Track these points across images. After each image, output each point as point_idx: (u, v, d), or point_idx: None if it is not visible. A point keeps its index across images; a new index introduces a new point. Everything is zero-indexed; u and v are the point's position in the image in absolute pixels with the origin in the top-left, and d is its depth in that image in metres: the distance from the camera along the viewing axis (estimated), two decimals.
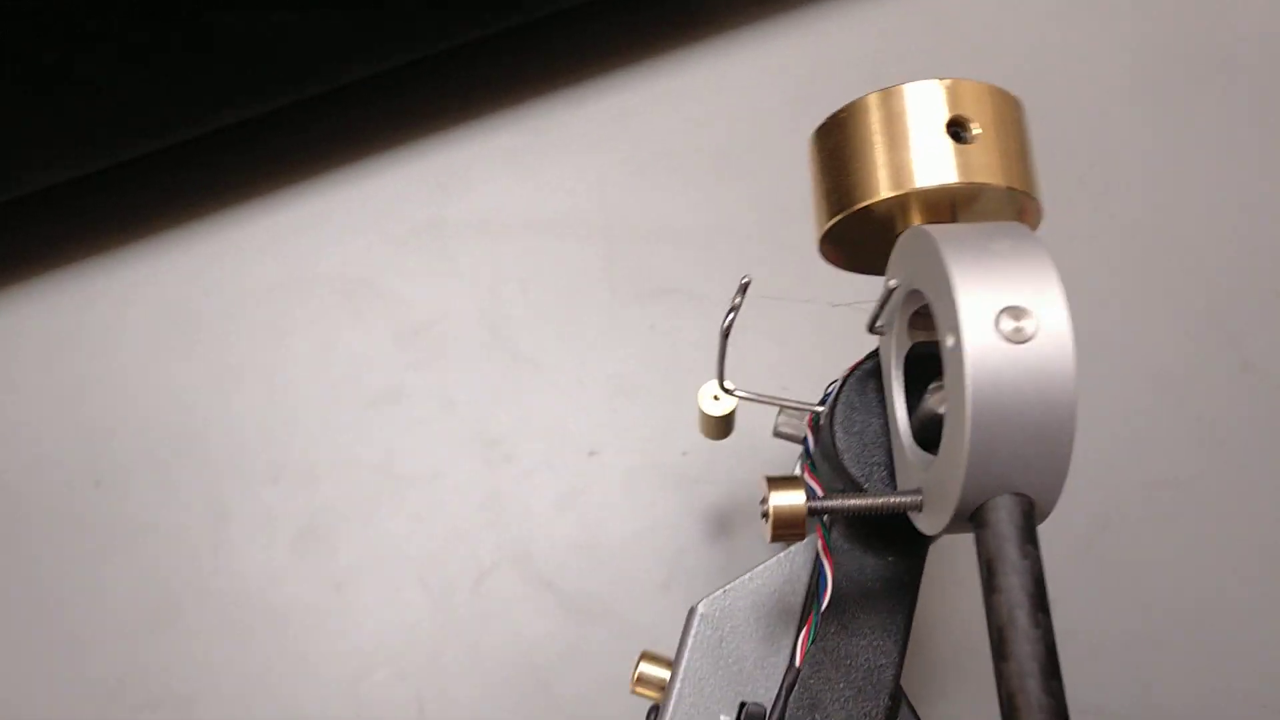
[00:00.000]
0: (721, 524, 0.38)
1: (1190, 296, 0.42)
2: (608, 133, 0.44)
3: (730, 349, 0.40)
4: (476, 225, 0.42)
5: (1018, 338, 0.19)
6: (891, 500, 0.22)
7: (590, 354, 0.40)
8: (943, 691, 0.37)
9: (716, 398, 0.31)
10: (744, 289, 0.24)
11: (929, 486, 0.22)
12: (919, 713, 0.26)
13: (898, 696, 0.26)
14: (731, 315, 0.24)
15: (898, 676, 0.26)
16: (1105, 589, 0.38)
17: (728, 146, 0.44)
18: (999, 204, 0.24)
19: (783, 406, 0.28)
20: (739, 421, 0.32)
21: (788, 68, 0.46)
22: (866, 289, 0.40)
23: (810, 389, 0.38)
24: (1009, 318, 0.19)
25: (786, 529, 0.22)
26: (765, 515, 0.22)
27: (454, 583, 0.36)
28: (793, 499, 0.22)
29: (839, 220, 0.24)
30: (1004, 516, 0.19)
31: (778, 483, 0.22)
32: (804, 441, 0.28)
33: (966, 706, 0.37)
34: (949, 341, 0.20)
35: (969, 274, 0.19)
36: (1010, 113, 0.24)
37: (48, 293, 0.41)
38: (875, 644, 0.26)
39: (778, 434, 0.31)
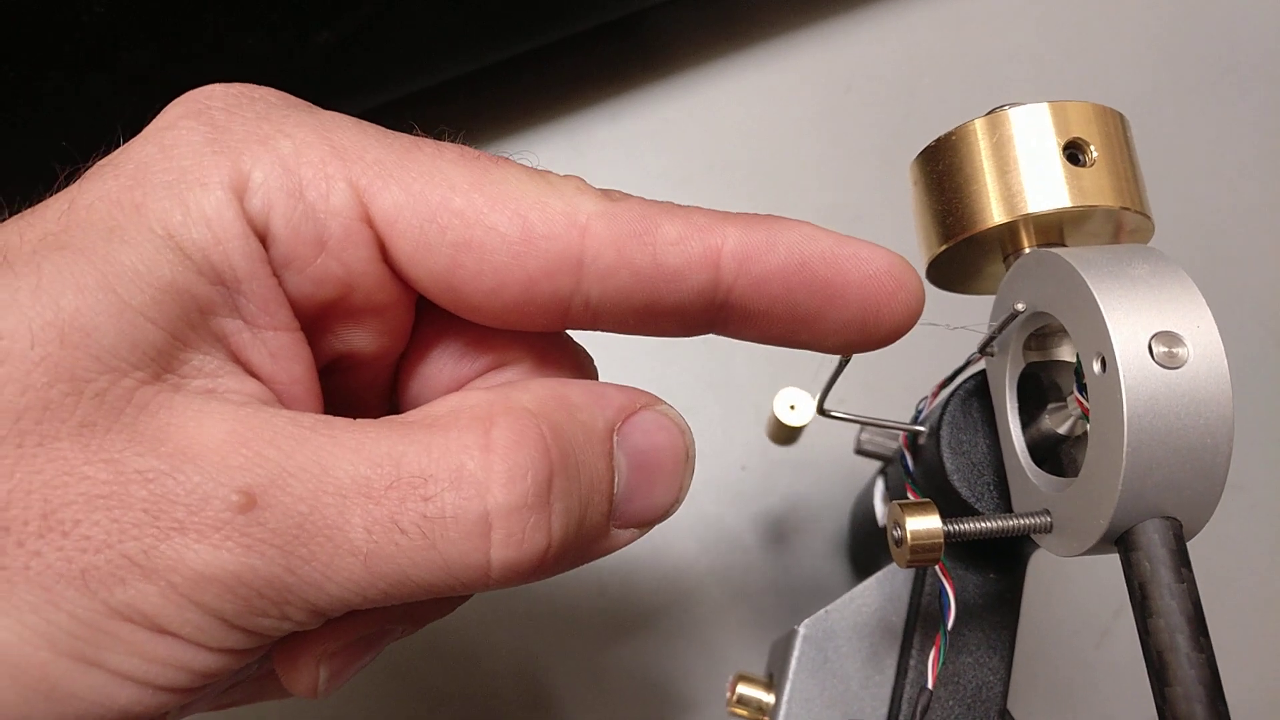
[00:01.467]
0: (783, 538, 0.38)
1: (1250, 306, 0.43)
2: (647, 145, 0.44)
3: (775, 361, 0.40)
4: None
5: (1171, 363, 0.19)
6: (1021, 523, 0.22)
7: (644, 370, 0.40)
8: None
9: (793, 407, 0.31)
10: None
11: (1062, 509, 0.22)
12: None
13: (1006, 715, 0.26)
14: None
15: (1005, 694, 0.26)
16: None
17: (768, 156, 0.44)
18: (1107, 223, 0.24)
19: (879, 426, 0.28)
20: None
21: (824, 75, 0.46)
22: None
23: (856, 402, 0.38)
24: (1161, 343, 0.19)
25: (923, 555, 0.22)
26: (899, 542, 0.22)
27: (527, 603, 0.36)
28: (929, 524, 0.22)
29: (949, 247, 0.24)
30: (1155, 540, 0.19)
31: (912, 508, 0.22)
32: (901, 460, 0.28)
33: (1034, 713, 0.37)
34: (1095, 367, 0.20)
35: (1117, 300, 0.20)
36: (1117, 130, 0.24)
37: None
38: (981, 661, 0.26)
39: (860, 451, 0.31)
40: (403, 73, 0.41)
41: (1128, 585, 0.20)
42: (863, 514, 0.35)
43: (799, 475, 0.39)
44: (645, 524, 0.22)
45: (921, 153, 0.25)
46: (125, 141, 0.20)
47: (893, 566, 0.28)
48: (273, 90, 0.21)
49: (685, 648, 0.36)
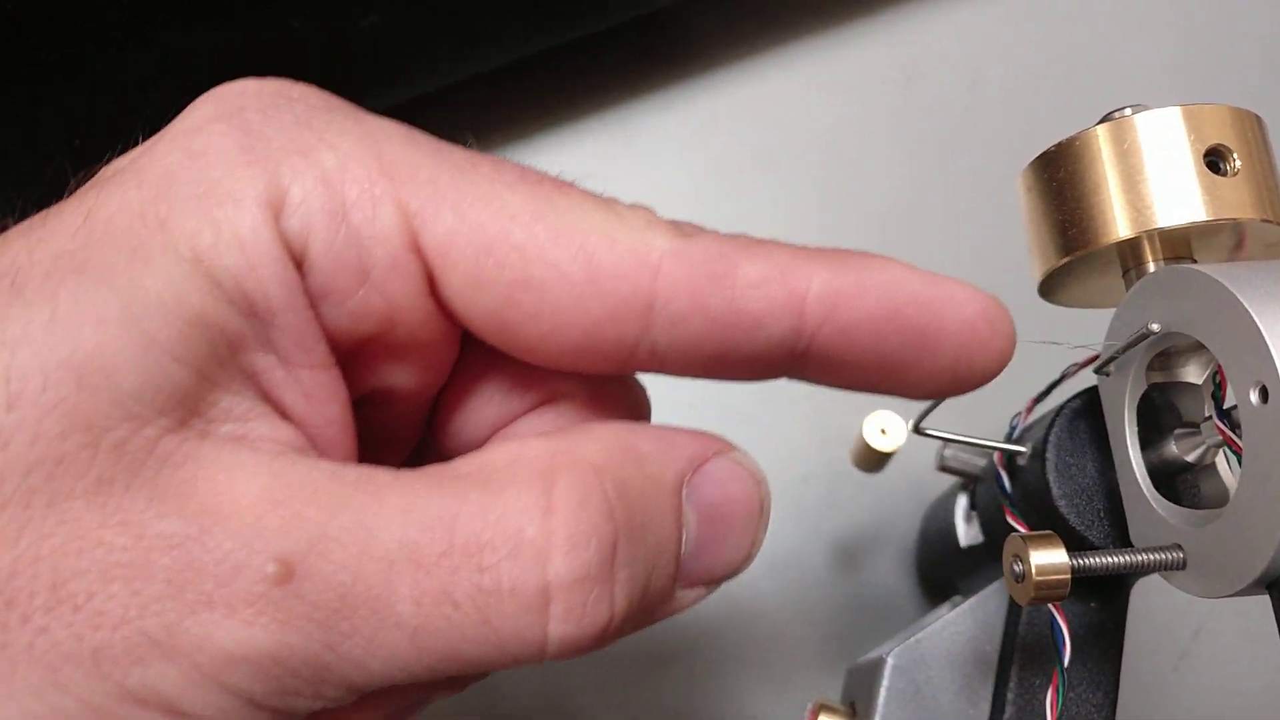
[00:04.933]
0: (848, 555, 0.36)
1: None
2: (696, 138, 0.43)
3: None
4: None
5: None
6: (1151, 559, 0.21)
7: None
8: None
9: (884, 431, 0.29)
10: None
11: (1200, 546, 0.20)
12: None
13: None
14: None
15: None
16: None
17: (821, 149, 0.43)
18: (1235, 235, 0.23)
19: (977, 446, 0.26)
20: None
21: (881, 68, 0.44)
22: None
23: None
24: None
25: (1049, 591, 0.20)
26: (1021, 578, 0.21)
27: None
28: (1055, 559, 0.20)
29: (1070, 260, 0.23)
30: None
31: (1035, 541, 0.20)
32: (998, 481, 0.26)
33: None
34: (1253, 398, 0.18)
35: None
36: (1256, 134, 0.22)
37: None
38: (1084, 697, 0.25)
39: (944, 468, 0.29)
40: (451, 59, 0.40)
41: None
42: (937, 530, 0.33)
43: (864, 488, 0.37)
44: (713, 583, 0.20)
45: (1037, 160, 0.24)
46: (143, 140, 0.18)
47: (986, 592, 0.27)
48: (314, 89, 0.19)
49: (748, 669, 0.35)
